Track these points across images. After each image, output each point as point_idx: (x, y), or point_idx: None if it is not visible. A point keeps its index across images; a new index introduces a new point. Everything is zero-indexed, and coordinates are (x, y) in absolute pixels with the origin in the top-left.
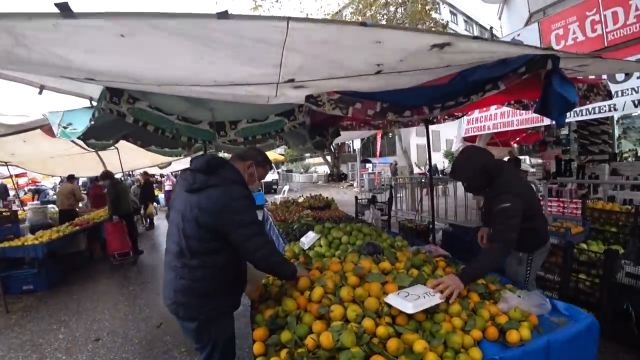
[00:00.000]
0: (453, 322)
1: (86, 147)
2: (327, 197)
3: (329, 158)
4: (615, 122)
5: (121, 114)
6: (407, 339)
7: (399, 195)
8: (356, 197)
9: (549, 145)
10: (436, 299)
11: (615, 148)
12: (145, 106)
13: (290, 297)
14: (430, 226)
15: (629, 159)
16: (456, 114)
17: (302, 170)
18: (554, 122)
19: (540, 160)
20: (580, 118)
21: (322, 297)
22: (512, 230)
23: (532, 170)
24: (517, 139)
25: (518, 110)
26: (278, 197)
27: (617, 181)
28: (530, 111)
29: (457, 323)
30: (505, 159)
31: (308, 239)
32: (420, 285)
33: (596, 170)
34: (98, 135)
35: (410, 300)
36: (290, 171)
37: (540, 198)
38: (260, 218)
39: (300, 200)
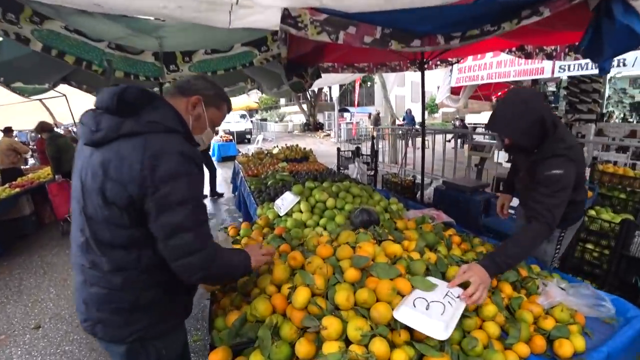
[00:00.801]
0: (487, 329)
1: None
2: (304, 148)
3: (305, 107)
4: (607, 81)
5: (23, 39)
6: None
7: (380, 146)
8: (338, 149)
9: None
10: (462, 304)
11: (603, 108)
12: (60, 28)
13: (263, 294)
14: (416, 181)
15: (616, 121)
16: (450, 59)
17: (277, 119)
18: (555, 75)
19: None
20: (578, 73)
21: (308, 301)
22: (560, 206)
23: None
24: (499, 93)
25: (517, 60)
26: (251, 148)
27: (605, 141)
28: (532, 60)
29: (493, 331)
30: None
31: (285, 202)
32: (439, 282)
33: (582, 130)
34: (24, 77)
35: (436, 316)
36: (265, 120)
37: None
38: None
39: (275, 151)
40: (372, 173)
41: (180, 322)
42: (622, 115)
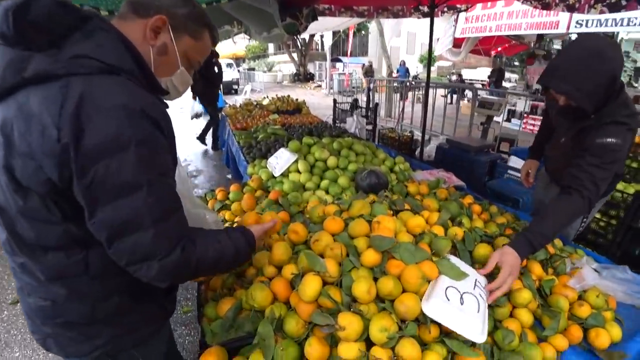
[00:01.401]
0: (521, 318)
1: None
2: (296, 100)
3: (295, 56)
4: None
5: None
6: None
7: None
8: (335, 101)
9: (536, 59)
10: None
11: None
12: None
13: (260, 276)
14: (414, 137)
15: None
16: (459, 5)
17: (265, 68)
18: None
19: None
20: (596, 29)
21: (319, 294)
22: (607, 180)
23: (510, 84)
24: (499, 48)
25: (530, 11)
26: (239, 99)
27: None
28: (548, 13)
29: (526, 320)
30: (489, 70)
31: (280, 160)
32: (468, 268)
33: None
34: None
35: (472, 314)
36: (253, 69)
37: (526, 114)
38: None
39: (265, 102)
40: (371, 128)
41: (159, 327)
42: (626, 80)
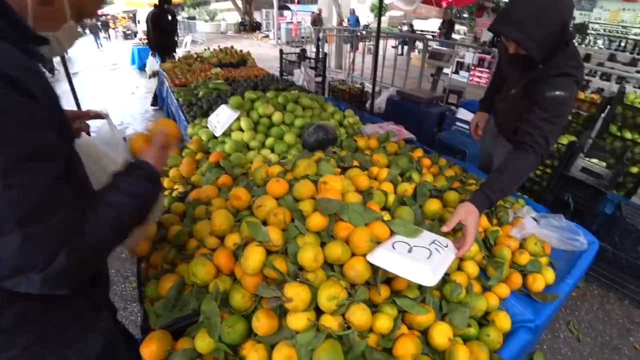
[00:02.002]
0: (467, 269)
1: None
2: (240, 51)
3: (239, 3)
4: None
5: None
6: (419, 322)
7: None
8: (281, 52)
9: (485, 11)
10: (451, 255)
11: None
12: None
13: (201, 247)
14: (365, 89)
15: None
16: None
17: (207, 17)
18: None
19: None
20: None
21: (262, 265)
22: (557, 134)
23: (459, 37)
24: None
25: None
26: (178, 52)
27: None
28: None
29: (472, 271)
30: (439, 21)
31: (221, 118)
32: (423, 230)
33: None
34: None
35: (421, 260)
36: (193, 18)
37: (473, 67)
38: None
39: (207, 54)
40: (321, 80)
41: (90, 323)
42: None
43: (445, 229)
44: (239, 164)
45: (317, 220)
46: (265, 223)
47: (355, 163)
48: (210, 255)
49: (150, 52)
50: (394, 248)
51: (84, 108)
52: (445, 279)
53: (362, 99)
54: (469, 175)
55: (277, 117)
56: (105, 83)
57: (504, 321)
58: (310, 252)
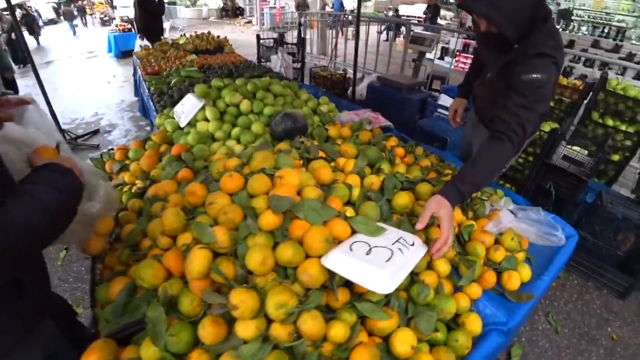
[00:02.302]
0: (438, 268)
1: None
2: (218, 37)
3: None
4: None
5: None
6: (381, 328)
7: (307, 36)
8: (258, 36)
9: None
10: (418, 253)
11: None
12: None
13: (154, 248)
14: (347, 75)
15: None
16: None
17: (188, 3)
18: None
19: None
20: None
21: (207, 269)
22: (534, 121)
23: (445, 22)
24: None
25: None
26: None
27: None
28: None
29: (443, 270)
30: (424, 6)
31: (186, 108)
32: (389, 227)
33: None
34: None
35: (378, 263)
36: (174, 4)
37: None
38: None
39: (182, 41)
40: (299, 66)
41: (28, 329)
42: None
43: (419, 226)
44: (201, 156)
45: (268, 219)
46: (217, 222)
47: (322, 154)
48: (161, 256)
49: (138, 35)
50: (351, 250)
51: (55, 99)
52: (414, 279)
53: (344, 85)
54: (445, 165)
55: (245, 105)
56: (81, 72)
57: (474, 324)
58: (258, 255)
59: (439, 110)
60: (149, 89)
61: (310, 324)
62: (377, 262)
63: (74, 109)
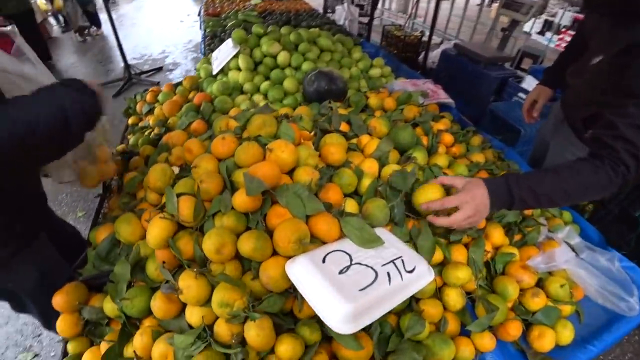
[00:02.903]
0: (447, 298)
1: None
2: None
3: None
4: None
5: None
6: (346, 357)
7: None
8: None
9: None
10: (416, 282)
11: None
12: None
13: (143, 204)
14: (423, 38)
15: None
16: None
17: None
18: None
19: None
20: None
21: (167, 240)
22: None
23: None
24: None
25: None
26: None
27: None
28: None
29: (454, 303)
30: None
31: (221, 54)
32: (394, 239)
33: None
34: None
35: (345, 289)
36: None
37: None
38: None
39: None
40: (367, 20)
41: (20, 246)
42: None
43: (432, 205)
44: (221, 109)
45: (241, 200)
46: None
47: (344, 127)
48: (141, 213)
49: None
50: (323, 262)
51: (132, 34)
52: (411, 305)
53: (417, 49)
54: (504, 165)
55: (282, 57)
56: (161, 9)
57: None
58: (214, 241)
59: (520, 94)
60: (204, 30)
61: (254, 333)
62: (347, 288)
63: (146, 44)
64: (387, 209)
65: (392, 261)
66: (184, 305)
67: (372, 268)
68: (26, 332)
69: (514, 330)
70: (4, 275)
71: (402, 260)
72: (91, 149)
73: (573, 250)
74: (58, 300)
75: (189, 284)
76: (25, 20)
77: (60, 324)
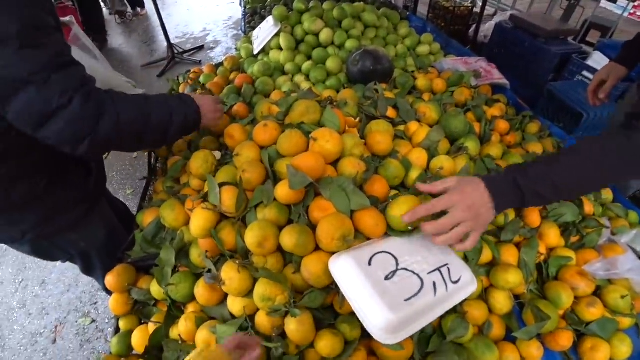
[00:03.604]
0: (494, 301)
1: None
2: None
3: None
4: None
5: None
6: (386, 356)
7: None
8: None
9: None
10: (460, 292)
11: None
12: None
13: (185, 190)
14: (475, 9)
15: None
16: None
17: None
18: None
19: None
20: None
21: (210, 230)
22: None
23: None
24: None
25: None
26: None
27: None
28: None
29: (501, 307)
30: None
31: (262, 32)
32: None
33: None
34: None
35: (390, 298)
36: None
37: None
38: None
39: None
40: None
41: (86, 210)
42: None
43: (426, 188)
44: (263, 91)
45: (284, 192)
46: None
47: (391, 113)
48: (185, 199)
49: None
50: (369, 264)
51: (174, 13)
52: (455, 307)
53: (468, 22)
54: None
55: (325, 35)
56: None
57: None
58: (256, 234)
59: (585, 72)
60: (244, 7)
61: (294, 328)
62: (393, 296)
63: (188, 23)
64: None
65: (439, 269)
66: (226, 294)
67: (418, 276)
68: (84, 299)
69: (565, 340)
70: (78, 235)
71: (449, 269)
72: None
73: (639, 257)
74: (110, 281)
75: (231, 276)
76: None
77: (112, 302)
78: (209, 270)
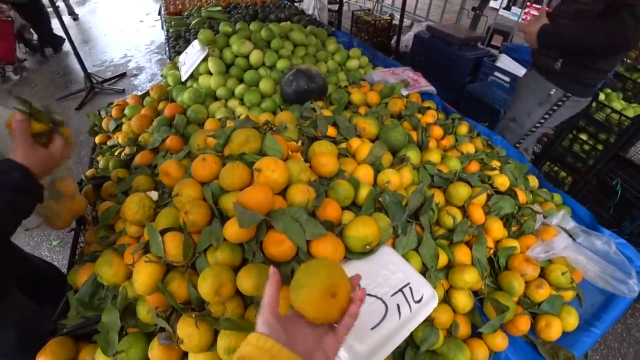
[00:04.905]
0: (456, 302)
1: None
2: None
3: None
4: None
5: None
6: None
7: None
8: None
9: None
10: (423, 311)
11: None
12: None
13: (123, 239)
14: (394, 22)
15: None
16: None
17: None
18: None
19: None
20: None
21: (156, 284)
22: None
23: None
24: None
25: None
26: None
27: None
28: None
29: (463, 306)
30: None
31: (189, 57)
32: (401, 261)
33: None
34: None
35: (357, 327)
36: None
37: (529, 2)
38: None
39: None
40: (337, 8)
41: None
42: None
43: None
44: (196, 119)
45: (234, 231)
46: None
47: (331, 132)
48: (123, 249)
49: None
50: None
51: (90, 40)
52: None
53: (389, 34)
54: (493, 154)
55: (255, 57)
56: (116, 9)
57: None
58: (210, 283)
59: (496, 73)
60: (167, 31)
61: None
62: (359, 327)
63: (105, 49)
64: (389, 221)
65: (401, 289)
66: (185, 352)
67: (381, 300)
68: None
69: (523, 325)
70: None
71: (410, 288)
72: (54, 185)
73: (570, 235)
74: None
75: (189, 332)
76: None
77: None
78: (163, 329)
